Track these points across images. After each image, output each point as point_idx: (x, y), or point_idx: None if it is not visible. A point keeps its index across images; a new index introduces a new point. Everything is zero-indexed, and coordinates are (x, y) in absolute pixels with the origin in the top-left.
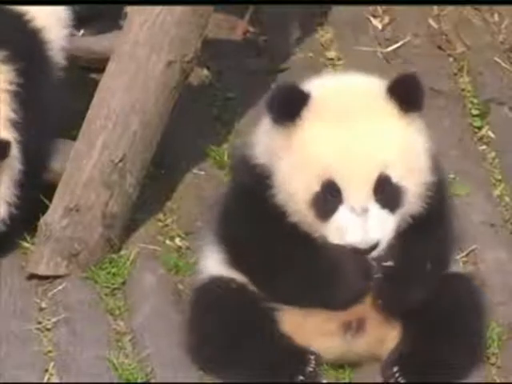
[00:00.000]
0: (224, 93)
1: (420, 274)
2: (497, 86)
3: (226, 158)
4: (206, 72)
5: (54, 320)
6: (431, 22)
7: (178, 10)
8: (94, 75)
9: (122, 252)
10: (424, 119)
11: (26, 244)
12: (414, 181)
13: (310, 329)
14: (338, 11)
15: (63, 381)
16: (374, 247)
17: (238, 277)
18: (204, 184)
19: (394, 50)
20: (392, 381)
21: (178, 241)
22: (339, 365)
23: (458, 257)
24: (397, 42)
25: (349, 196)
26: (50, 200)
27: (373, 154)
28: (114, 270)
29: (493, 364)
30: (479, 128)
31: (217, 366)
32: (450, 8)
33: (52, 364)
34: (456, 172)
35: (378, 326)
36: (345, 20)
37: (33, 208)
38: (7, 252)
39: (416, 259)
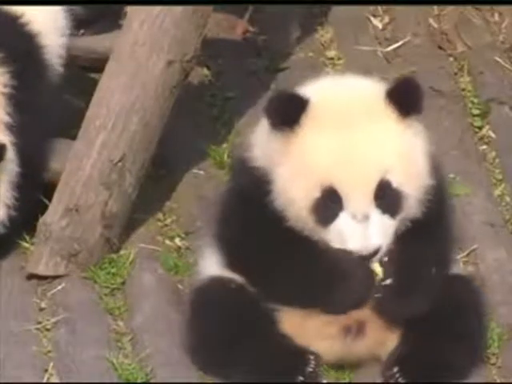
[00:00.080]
0: (224, 93)
1: (424, 284)
2: (497, 85)
3: (225, 157)
4: (205, 71)
5: (53, 320)
6: (431, 21)
7: (178, 9)
8: (93, 75)
9: (122, 252)
10: (424, 119)
11: (25, 244)
12: (413, 185)
13: (310, 332)
14: (338, 11)
15: (63, 381)
16: (375, 253)
17: (238, 277)
18: (204, 184)
19: (394, 50)
20: (392, 381)
21: (177, 241)
22: (339, 365)
23: (458, 257)
24: (397, 41)
25: (349, 202)
26: (50, 200)
27: (373, 160)
28: (113, 270)
29: (493, 364)
30: (480, 128)
31: (217, 366)
32: (450, 8)
33: (52, 364)
34: (456, 172)
35: (378, 330)
36: (345, 19)
37: (32, 209)
38: (7, 252)
39: (419, 268)
